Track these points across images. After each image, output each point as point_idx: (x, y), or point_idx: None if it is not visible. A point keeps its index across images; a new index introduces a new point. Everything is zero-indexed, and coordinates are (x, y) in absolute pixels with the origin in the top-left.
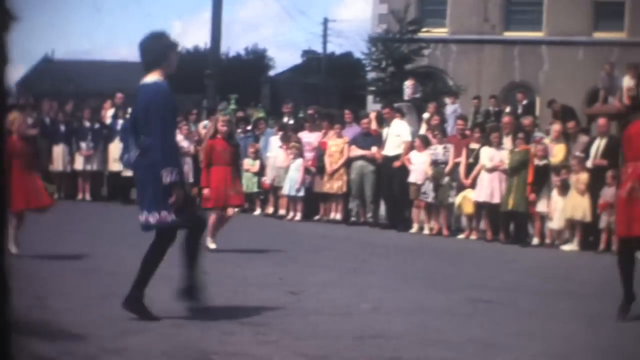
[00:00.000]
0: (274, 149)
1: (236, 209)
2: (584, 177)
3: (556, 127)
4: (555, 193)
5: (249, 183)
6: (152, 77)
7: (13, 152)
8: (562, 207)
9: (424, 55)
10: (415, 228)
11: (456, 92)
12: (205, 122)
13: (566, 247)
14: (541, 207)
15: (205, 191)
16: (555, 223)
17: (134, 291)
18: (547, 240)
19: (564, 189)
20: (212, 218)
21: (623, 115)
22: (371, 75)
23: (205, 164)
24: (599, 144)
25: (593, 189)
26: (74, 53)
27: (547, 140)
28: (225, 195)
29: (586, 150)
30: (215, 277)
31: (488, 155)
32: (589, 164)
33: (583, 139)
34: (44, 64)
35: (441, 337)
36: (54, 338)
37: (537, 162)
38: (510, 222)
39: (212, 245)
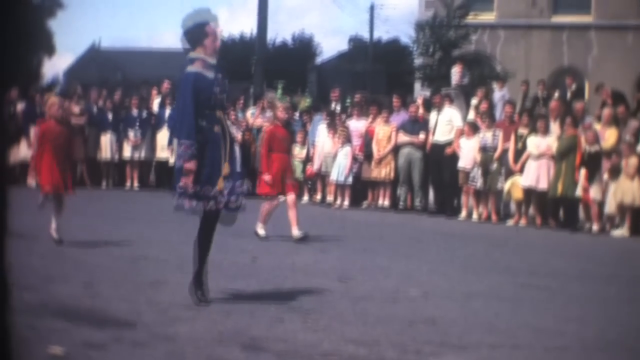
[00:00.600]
0: (322, 136)
1: (285, 197)
2: (633, 161)
3: (607, 111)
4: (606, 178)
5: (296, 170)
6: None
7: (47, 136)
8: (613, 191)
9: (472, 40)
10: (464, 214)
11: (504, 78)
12: (252, 110)
13: (616, 233)
14: (594, 193)
15: (266, 177)
16: (606, 208)
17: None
18: (594, 227)
19: (615, 173)
20: (266, 205)
21: None
22: (418, 61)
23: (266, 150)
24: None
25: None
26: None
27: (597, 126)
28: (283, 183)
29: (636, 134)
30: (264, 263)
31: (535, 143)
32: (639, 148)
33: (634, 123)
34: (91, 53)
35: (491, 322)
36: (104, 325)
37: (588, 148)
38: (559, 208)
39: (261, 232)
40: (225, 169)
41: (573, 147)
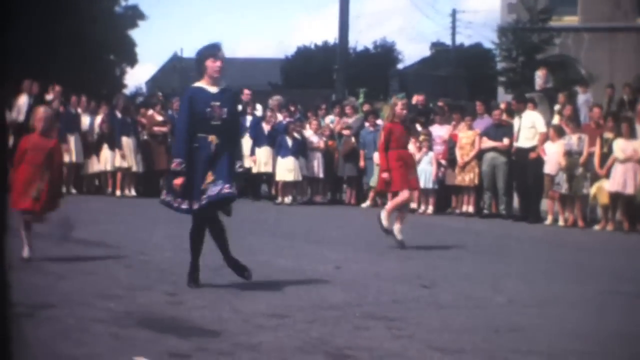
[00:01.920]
0: None
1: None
2: None
3: None
4: None
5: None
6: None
7: (28, 150)
8: None
9: (555, 44)
10: (549, 220)
11: (588, 81)
12: (331, 117)
13: None
14: None
15: (385, 175)
16: None
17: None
18: None
19: None
20: (397, 198)
21: None
22: (501, 65)
23: (384, 148)
24: None
25: None
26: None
27: None
28: (409, 179)
29: None
30: (348, 271)
31: (620, 147)
32: None
33: None
34: (174, 62)
35: (578, 329)
36: (188, 334)
37: None
38: None
39: (400, 236)
40: (209, 177)
41: None
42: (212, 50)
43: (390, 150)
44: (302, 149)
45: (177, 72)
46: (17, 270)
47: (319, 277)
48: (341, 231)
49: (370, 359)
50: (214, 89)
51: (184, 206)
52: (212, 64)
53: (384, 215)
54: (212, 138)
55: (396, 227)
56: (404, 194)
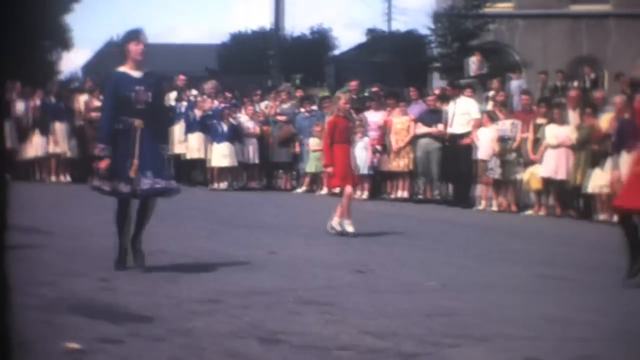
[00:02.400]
0: None
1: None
2: None
3: (618, 99)
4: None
5: (316, 163)
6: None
7: None
8: None
9: (490, 30)
10: (482, 205)
11: (520, 67)
12: (266, 102)
13: None
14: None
15: (330, 169)
16: None
17: None
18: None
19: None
20: (343, 200)
21: None
22: (436, 51)
23: (328, 142)
24: None
25: None
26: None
27: (612, 114)
28: (351, 174)
29: None
30: (282, 257)
31: (552, 133)
32: None
33: None
34: (109, 47)
35: (510, 313)
36: (121, 320)
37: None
38: (579, 198)
39: (350, 229)
40: (135, 164)
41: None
42: (134, 34)
43: (334, 145)
44: (237, 135)
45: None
46: None
47: (254, 263)
48: (276, 217)
49: (302, 344)
50: (137, 73)
51: (110, 188)
52: (134, 48)
53: (335, 222)
54: (137, 122)
55: (346, 222)
56: (347, 193)
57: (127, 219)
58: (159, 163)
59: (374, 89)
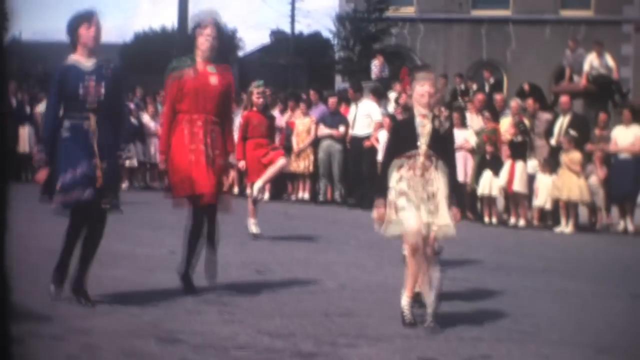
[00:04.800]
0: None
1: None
2: (577, 156)
3: (514, 103)
4: (539, 172)
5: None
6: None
7: None
8: (551, 186)
9: (392, 34)
10: None
11: None
12: None
13: (559, 229)
14: (520, 186)
15: (241, 164)
16: (537, 202)
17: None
18: (522, 221)
19: (550, 167)
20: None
21: (589, 94)
22: (339, 54)
23: (241, 137)
24: (562, 122)
25: (555, 166)
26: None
27: (508, 118)
28: (263, 168)
29: (549, 127)
30: (181, 256)
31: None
32: (553, 141)
33: (545, 116)
34: (12, 45)
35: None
36: (19, 319)
37: (512, 138)
38: (478, 201)
39: (255, 229)
40: (99, 168)
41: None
42: (85, 17)
43: (247, 140)
44: (139, 134)
45: (15, 55)
46: None
47: (154, 262)
48: (177, 216)
49: (201, 343)
50: (89, 63)
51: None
52: (85, 32)
53: (251, 223)
54: (88, 124)
55: (252, 222)
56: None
57: (76, 236)
58: (112, 173)
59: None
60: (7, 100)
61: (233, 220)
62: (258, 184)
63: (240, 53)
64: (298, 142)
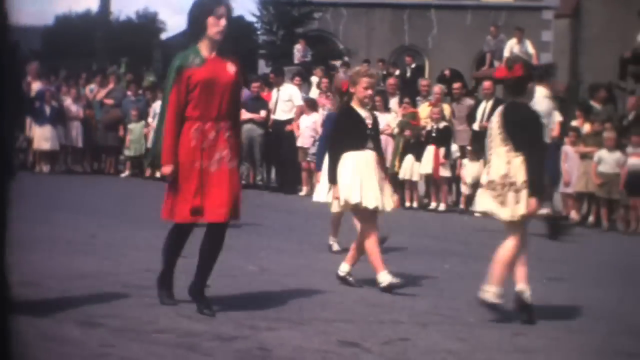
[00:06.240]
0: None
1: None
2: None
3: (436, 89)
4: (466, 159)
5: (137, 146)
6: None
7: None
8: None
9: (315, 18)
10: (304, 191)
11: (345, 56)
12: (92, 86)
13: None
14: (445, 171)
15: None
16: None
17: None
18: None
19: (475, 154)
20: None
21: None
22: (262, 38)
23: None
24: (485, 107)
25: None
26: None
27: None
28: None
29: (472, 112)
30: (103, 240)
31: None
32: (476, 126)
33: (468, 101)
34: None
35: (327, 297)
36: None
37: (435, 125)
38: (402, 185)
39: None
40: None
41: (410, 124)
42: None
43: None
44: (60, 118)
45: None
46: None
47: (74, 246)
48: (99, 200)
49: (121, 327)
50: None
51: None
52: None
53: None
54: None
55: None
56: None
57: None
58: None
59: None
60: (20, 95)
61: (151, 203)
62: None
63: (163, 36)
64: None
